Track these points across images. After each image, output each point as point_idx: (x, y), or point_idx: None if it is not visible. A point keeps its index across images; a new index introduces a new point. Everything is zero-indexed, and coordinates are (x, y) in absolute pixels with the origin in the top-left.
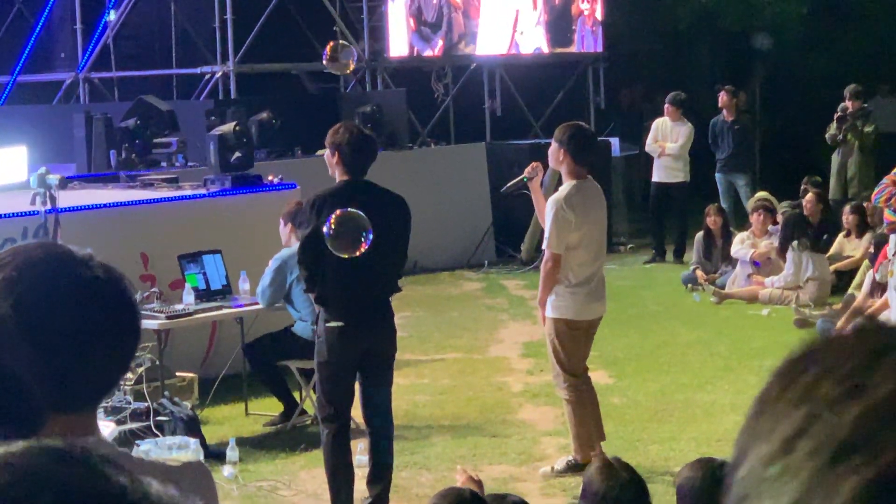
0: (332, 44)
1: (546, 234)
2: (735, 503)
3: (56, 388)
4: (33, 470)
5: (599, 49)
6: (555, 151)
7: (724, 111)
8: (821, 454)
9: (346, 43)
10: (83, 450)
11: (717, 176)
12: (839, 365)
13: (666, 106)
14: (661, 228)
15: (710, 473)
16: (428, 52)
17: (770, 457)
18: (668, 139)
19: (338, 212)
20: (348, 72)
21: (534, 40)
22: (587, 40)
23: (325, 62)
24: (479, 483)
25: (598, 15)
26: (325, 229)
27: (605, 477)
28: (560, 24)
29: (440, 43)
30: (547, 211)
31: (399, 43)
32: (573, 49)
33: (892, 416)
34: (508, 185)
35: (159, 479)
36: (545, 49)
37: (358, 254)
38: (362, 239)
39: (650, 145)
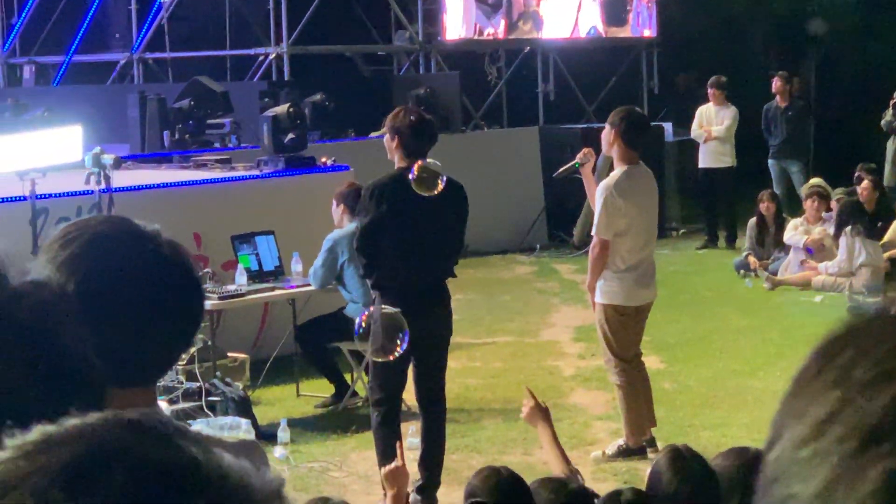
0: (419, 164)
1: (595, 220)
2: (767, 485)
3: (118, 363)
4: (107, 440)
5: (653, 29)
6: (607, 135)
7: (778, 97)
8: (850, 440)
9: (435, 164)
10: (159, 422)
11: (770, 162)
12: (875, 347)
13: (709, 90)
14: (712, 214)
15: (744, 462)
16: (490, 30)
17: (802, 439)
18: (713, 124)
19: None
20: (436, 192)
21: (590, 19)
22: (642, 18)
23: (412, 180)
24: (545, 411)
25: None
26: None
27: (675, 470)
28: (616, 2)
29: (502, 22)
30: (597, 196)
31: (457, 24)
32: (628, 28)
33: None
34: (561, 170)
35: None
36: (600, 28)
37: (392, 358)
38: (398, 340)
39: (695, 131)
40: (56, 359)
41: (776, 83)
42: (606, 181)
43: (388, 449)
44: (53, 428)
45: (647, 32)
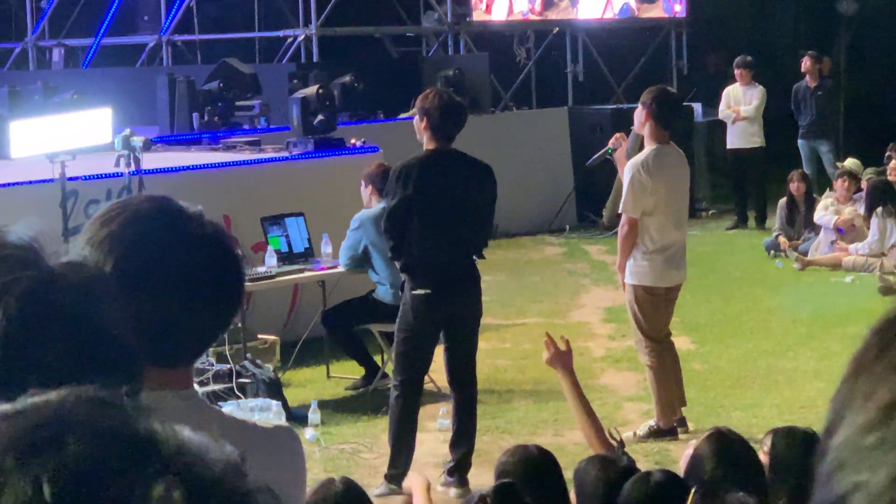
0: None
1: (623, 198)
2: (830, 471)
3: (156, 342)
4: (65, 413)
5: (684, 7)
6: (639, 113)
7: (808, 76)
8: None
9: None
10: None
11: (800, 142)
12: None
13: (736, 70)
14: (742, 194)
15: (801, 441)
16: (526, 6)
17: (868, 425)
18: (740, 104)
19: None
20: None
21: None
22: None
23: None
24: (565, 355)
25: None
26: None
27: (719, 456)
28: None
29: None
30: (625, 174)
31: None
32: (660, 5)
33: None
34: (594, 157)
35: (239, 438)
36: (633, 4)
37: None
38: None
39: (724, 112)
40: (92, 340)
41: (805, 63)
42: (634, 159)
43: (401, 432)
44: (20, 402)
45: (678, 8)
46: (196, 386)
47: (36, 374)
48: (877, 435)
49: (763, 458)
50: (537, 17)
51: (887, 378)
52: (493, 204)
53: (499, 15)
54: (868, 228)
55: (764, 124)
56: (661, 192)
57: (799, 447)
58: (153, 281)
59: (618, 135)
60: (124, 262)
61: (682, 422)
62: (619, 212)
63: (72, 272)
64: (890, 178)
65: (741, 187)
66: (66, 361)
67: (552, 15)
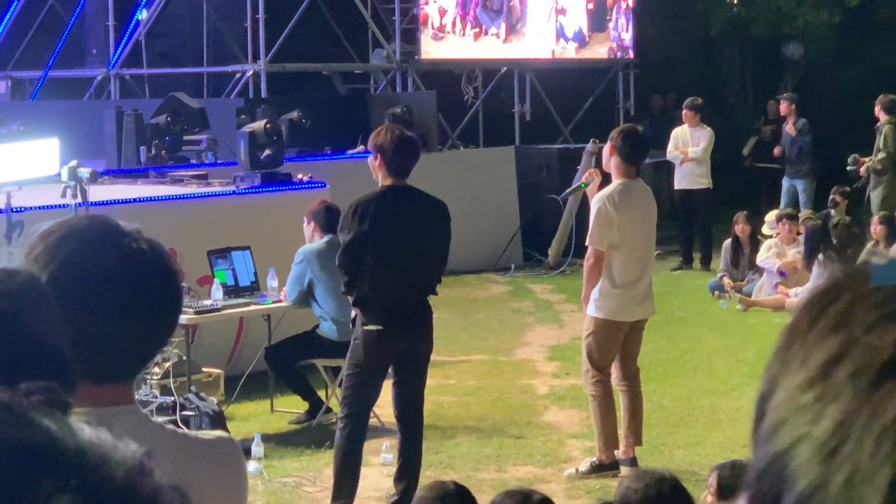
0: None
1: (590, 230)
2: (772, 429)
3: (93, 356)
4: None
5: (632, 47)
6: (606, 150)
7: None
8: (862, 377)
9: None
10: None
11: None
12: (873, 292)
13: (684, 112)
14: (687, 236)
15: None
16: (494, 30)
17: (806, 383)
18: (688, 145)
19: None
20: None
21: (576, 20)
22: (621, 22)
23: None
24: None
25: (631, 2)
26: None
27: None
28: (598, 12)
29: (503, 24)
30: (592, 207)
31: (439, 46)
32: (608, 35)
33: None
34: (567, 191)
35: (181, 451)
36: (585, 30)
37: None
38: None
39: (671, 153)
40: (23, 346)
41: (784, 107)
42: (601, 192)
43: (346, 466)
44: None
45: (626, 35)
46: (157, 422)
47: None
48: (817, 390)
49: (710, 499)
50: (488, 59)
51: (822, 341)
52: (448, 240)
53: (467, 43)
54: (810, 272)
55: (711, 166)
56: (627, 226)
57: (744, 477)
58: (87, 295)
59: (592, 170)
60: (59, 275)
61: (634, 461)
62: (587, 244)
63: (5, 278)
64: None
65: (687, 228)
66: None
67: (515, 41)
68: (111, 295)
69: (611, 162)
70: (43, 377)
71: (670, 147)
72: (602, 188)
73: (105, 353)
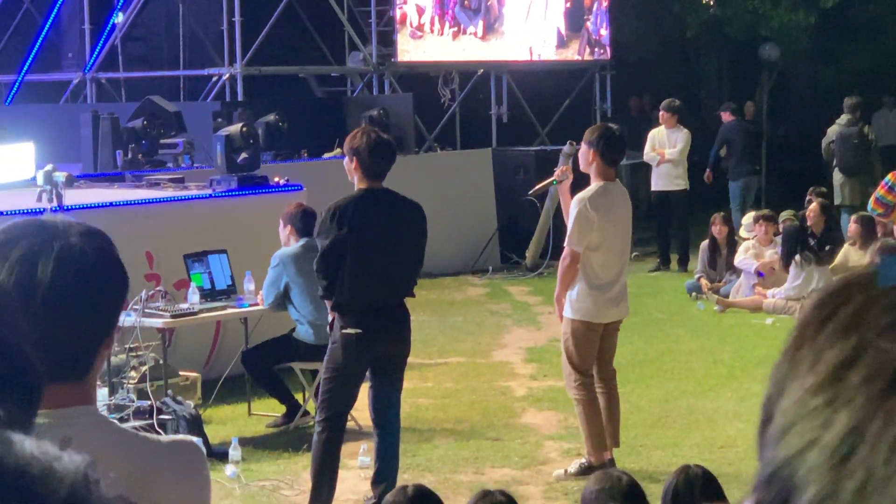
0: None
1: (568, 231)
2: (779, 433)
3: (45, 357)
4: None
5: (608, 49)
6: (585, 152)
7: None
8: (876, 381)
9: None
10: None
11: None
12: (883, 294)
13: (661, 113)
14: (664, 237)
15: (700, 479)
16: (472, 29)
17: (817, 386)
18: (665, 147)
19: None
20: None
21: (555, 20)
22: (600, 19)
23: None
24: None
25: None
26: None
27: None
28: (576, 10)
29: (481, 23)
30: (571, 208)
31: (418, 45)
32: (584, 38)
33: None
34: (537, 187)
35: (142, 453)
36: (563, 29)
37: None
38: None
39: (648, 154)
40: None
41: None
42: (581, 194)
43: (324, 469)
44: None
45: (603, 32)
46: (116, 423)
47: None
48: (828, 394)
49: None
50: (465, 61)
51: (832, 344)
52: (424, 242)
53: (445, 42)
54: (787, 273)
55: (688, 167)
56: (607, 227)
57: (697, 485)
58: (23, 295)
59: (564, 167)
60: (8, 279)
61: (611, 462)
62: (564, 244)
63: None
64: (808, 222)
65: (664, 229)
66: None
67: (493, 40)
68: (45, 293)
69: (591, 166)
70: (12, 383)
71: (647, 148)
72: (576, 189)
73: (52, 352)
